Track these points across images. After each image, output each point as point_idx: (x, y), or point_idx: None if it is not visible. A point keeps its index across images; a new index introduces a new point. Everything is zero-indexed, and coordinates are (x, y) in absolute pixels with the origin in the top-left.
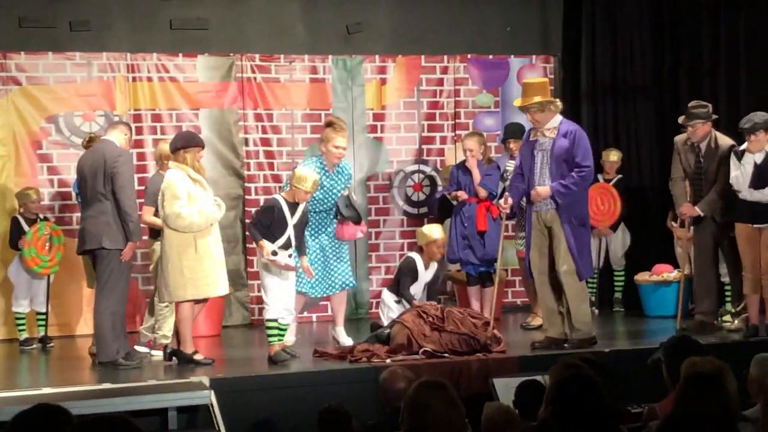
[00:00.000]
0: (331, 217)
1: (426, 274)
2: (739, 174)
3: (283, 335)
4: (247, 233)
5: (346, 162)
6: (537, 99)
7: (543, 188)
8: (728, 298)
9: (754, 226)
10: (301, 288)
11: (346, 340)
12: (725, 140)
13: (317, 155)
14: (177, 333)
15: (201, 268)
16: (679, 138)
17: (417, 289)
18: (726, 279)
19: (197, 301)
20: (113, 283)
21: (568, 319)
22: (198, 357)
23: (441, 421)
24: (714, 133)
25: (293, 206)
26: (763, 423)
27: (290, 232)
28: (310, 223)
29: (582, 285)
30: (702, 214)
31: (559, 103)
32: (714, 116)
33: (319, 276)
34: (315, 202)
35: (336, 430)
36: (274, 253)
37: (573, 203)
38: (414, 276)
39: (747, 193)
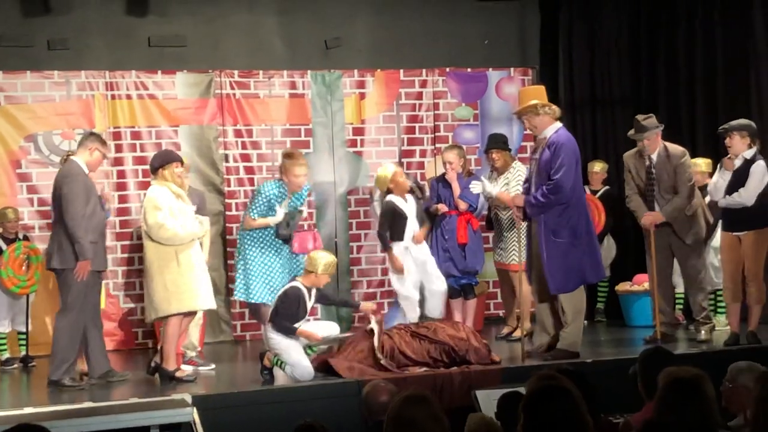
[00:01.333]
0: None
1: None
2: (718, 180)
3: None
4: (228, 249)
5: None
6: (531, 102)
7: (519, 197)
8: (721, 308)
9: (734, 234)
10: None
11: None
12: (675, 148)
13: (276, 180)
14: (161, 349)
15: (183, 281)
16: (627, 155)
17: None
18: (679, 289)
19: (185, 315)
20: (69, 302)
21: (557, 327)
22: (180, 374)
23: None
24: (662, 142)
25: (310, 291)
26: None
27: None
28: (272, 243)
29: (569, 297)
30: (665, 219)
31: (555, 108)
32: (660, 125)
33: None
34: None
35: None
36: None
37: (550, 216)
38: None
39: (723, 201)
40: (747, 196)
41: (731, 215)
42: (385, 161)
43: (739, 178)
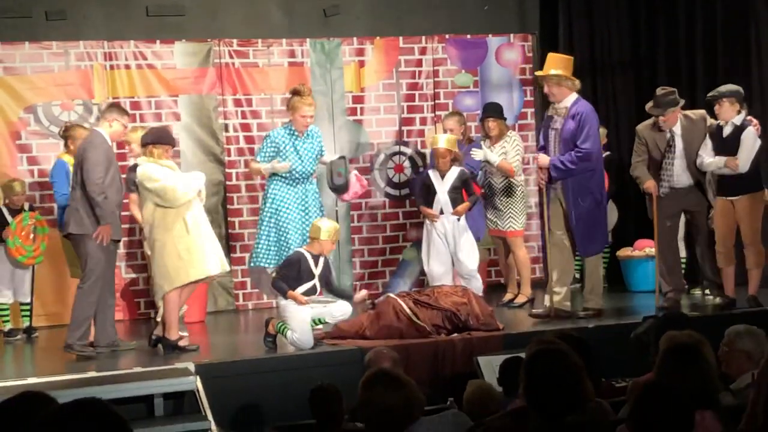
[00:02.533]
0: (315, 186)
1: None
2: (707, 143)
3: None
4: (229, 219)
5: (314, 126)
6: (553, 72)
7: (544, 158)
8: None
9: (727, 198)
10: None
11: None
12: (697, 113)
13: (285, 124)
14: (162, 319)
15: (197, 248)
16: (642, 126)
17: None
18: (682, 254)
19: (187, 285)
20: (89, 269)
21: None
22: (183, 343)
23: (382, 411)
24: (682, 113)
25: (317, 258)
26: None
27: (316, 283)
28: (294, 197)
29: (595, 259)
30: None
31: (577, 82)
32: (681, 101)
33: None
34: (292, 170)
35: (327, 409)
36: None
37: (577, 181)
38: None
39: (714, 166)
40: (741, 164)
41: (724, 180)
42: (385, 129)
43: (730, 144)
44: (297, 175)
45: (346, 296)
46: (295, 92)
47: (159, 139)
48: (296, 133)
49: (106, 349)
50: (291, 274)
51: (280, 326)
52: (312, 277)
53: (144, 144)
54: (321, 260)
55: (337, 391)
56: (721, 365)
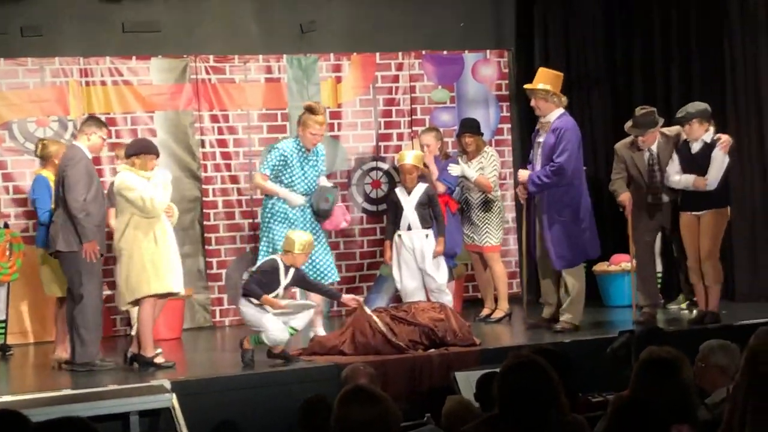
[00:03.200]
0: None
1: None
2: (674, 159)
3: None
4: (205, 235)
5: (320, 144)
6: (541, 86)
7: (523, 173)
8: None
9: (693, 213)
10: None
11: None
12: (673, 129)
13: (294, 137)
14: (137, 336)
15: (162, 261)
16: (620, 145)
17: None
18: (658, 268)
19: (159, 297)
20: (76, 285)
21: (558, 303)
22: (159, 360)
23: (358, 427)
24: (659, 132)
25: (287, 268)
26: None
27: (280, 292)
28: (297, 218)
29: (572, 273)
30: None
31: (564, 99)
32: (660, 120)
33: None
34: (294, 186)
35: (316, 422)
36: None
37: (552, 194)
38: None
39: (683, 183)
40: (711, 180)
41: (690, 195)
42: (363, 145)
43: (699, 162)
44: (299, 192)
45: (332, 295)
46: (308, 109)
47: (140, 150)
48: (304, 149)
49: (83, 367)
50: (264, 280)
51: (255, 338)
52: (278, 286)
53: (127, 156)
54: (291, 271)
55: (327, 404)
56: (697, 380)
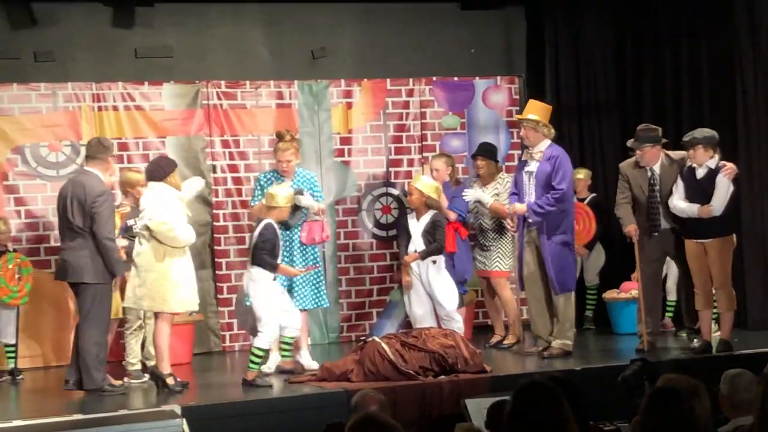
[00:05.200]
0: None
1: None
2: (678, 185)
3: (259, 363)
4: (216, 259)
5: (303, 169)
6: (531, 116)
7: (520, 206)
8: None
9: (698, 241)
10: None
11: (312, 364)
12: (679, 153)
13: (273, 167)
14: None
15: (186, 280)
16: (625, 164)
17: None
18: (670, 296)
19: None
20: (94, 314)
21: (551, 328)
22: (171, 381)
23: None
24: (664, 153)
25: (282, 224)
26: None
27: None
28: (284, 243)
29: (566, 298)
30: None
31: (552, 130)
32: (663, 140)
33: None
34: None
35: None
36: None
37: (552, 222)
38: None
39: (688, 210)
40: (716, 206)
41: (694, 223)
42: (373, 170)
43: (704, 187)
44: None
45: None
46: (276, 135)
47: (173, 166)
48: (281, 177)
49: (93, 393)
50: (270, 247)
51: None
52: (279, 248)
53: (163, 177)
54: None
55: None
56: (721, 407)
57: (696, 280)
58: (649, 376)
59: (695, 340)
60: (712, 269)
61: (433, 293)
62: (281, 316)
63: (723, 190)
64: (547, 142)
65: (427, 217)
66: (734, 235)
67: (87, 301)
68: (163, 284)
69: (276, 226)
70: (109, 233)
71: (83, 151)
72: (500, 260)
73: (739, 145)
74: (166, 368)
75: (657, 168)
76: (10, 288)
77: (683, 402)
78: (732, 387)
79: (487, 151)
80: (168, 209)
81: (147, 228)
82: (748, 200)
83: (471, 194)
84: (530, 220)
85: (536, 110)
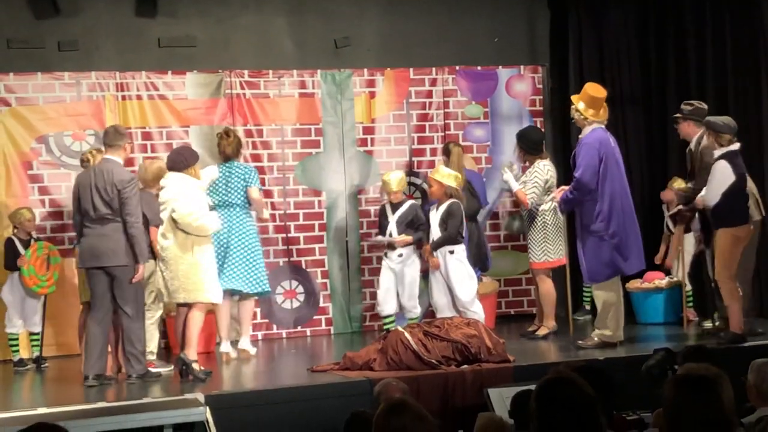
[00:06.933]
0: (242, 214)
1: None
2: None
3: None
4: None
5: (239, 162)
6: (576, 104)
7: (559, 192)
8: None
9: (715, 230)
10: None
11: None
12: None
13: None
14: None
15: (214, 268)
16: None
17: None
18: (688, 287)
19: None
20: (140, 296)
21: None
22: (196, 368)
23: None
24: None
25: (394, 207)
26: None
27: (392, 228)
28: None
29: (600, 288)
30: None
31: (591, 117)
32: (693, 116)
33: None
34: (216, 193)
35: None
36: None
37: (584, 210)
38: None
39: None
40: (709, 195)
41: (710, 213)
42: (396, 160)
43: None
44: (222, 201)
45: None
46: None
47: (195, 157)
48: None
49: (138, 379)
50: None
51: None
52: (387, 224)
53: (185, 167)
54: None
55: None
56: (748, 397)
57: (712, 270)
58: (672, 366)
59: (717, 324)
60: (715, 259)
61: (451, 284)
62: None
63: (717, 177)
64: (591, 127)
65: (443, 207)
66: (749, 226)
67: (126, 285)
68: (196, 274)
69: (388, 207)
70: (138, 219)
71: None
72: (532, 251)
73: (763, 132)
74: (193, 355)
75: (693, 143)
76: (39, 277)
77: (709, 389)
78: (759, 376)
79: (519, 138)
80: (191, 199)
81: (172, 220)
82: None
83: (506, 175)
84: (561, 207)
85: (583, 96)
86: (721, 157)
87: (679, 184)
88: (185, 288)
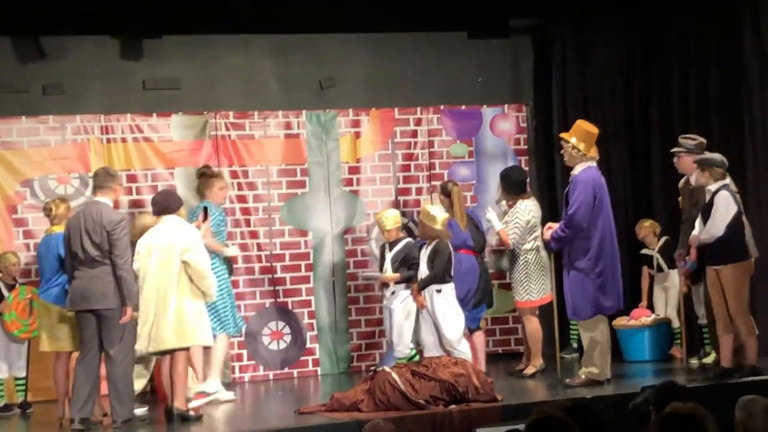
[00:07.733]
0: (221, 258)
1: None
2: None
3: None
4: None
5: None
6: (566, 139)
7: (548, 231)
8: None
9: (713, 267)
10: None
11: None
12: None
13: (206, 202)
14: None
15: (205, 314)
16: (682, 180)
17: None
18: (703, 321)
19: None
20: (127, 339)
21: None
22: (192, 413)
23: None
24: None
25: (391, 245)
26: None
27: (387, 265)
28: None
29: (585, 326)
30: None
31: (587, 152)
32: (692, 150)
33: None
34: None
35: None
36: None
37: (572, 245)
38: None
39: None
40: (715, 227)
41: (709, 249)
42: (381, 199)
43: (707, 211)
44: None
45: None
46: (203, 174)
47: (180, 201)
48: (221, 209)
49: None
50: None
51: None
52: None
53: (176, 209)
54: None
55: None
56: None
57: (715, 306)
58: (659, 404)
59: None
60: (727, 296)
61: (437, 322)
62: None
63: (721, 209)
64: (584, 165)
65: (431, 246)
66: (752, 261)
67: (115, 327)
68: (190, 316)
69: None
70: (127, 261)
71: (92, 183)
72: (515, 290)
73: (747, 170)
74: (184, 404)
75: (693, 179)
76: (21, 322)
77: (695, 427)
78: (746, 413)
79: (501, 179)
80: (205, 255)
81: (184, 262)
82: (756, 221)
83: (490, 215)
84: (552, 246)
85: (576, 131)
86: (722, 188)
87: (650, 224)
88: (180, 332)
